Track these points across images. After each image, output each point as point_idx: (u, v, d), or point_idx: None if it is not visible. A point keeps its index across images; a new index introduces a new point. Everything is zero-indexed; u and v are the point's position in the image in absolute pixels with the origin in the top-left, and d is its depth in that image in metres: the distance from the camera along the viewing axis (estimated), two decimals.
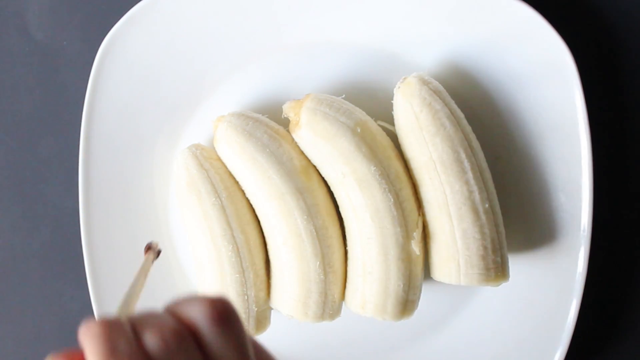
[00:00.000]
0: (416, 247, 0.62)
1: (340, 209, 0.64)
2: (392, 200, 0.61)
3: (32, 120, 0.74)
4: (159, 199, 0.70)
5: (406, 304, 0.62)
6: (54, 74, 0.74)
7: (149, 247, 0.56)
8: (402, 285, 0.62)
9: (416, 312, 0.64)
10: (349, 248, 0.64)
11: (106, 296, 0.68)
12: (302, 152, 0.64)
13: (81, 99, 0.68)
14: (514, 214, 0.67)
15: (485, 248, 0.61)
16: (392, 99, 0.64)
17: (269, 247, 0.65)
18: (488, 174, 0.63)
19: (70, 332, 0.75)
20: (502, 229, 0.63)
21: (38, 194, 0.74)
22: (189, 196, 0.63)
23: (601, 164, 0.69)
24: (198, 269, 0.66)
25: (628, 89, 0.70)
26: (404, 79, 0.63)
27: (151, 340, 0.35)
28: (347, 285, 0.64)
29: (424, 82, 0.62)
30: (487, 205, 0.61)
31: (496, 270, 0.62)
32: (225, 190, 0.63)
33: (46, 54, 0.74)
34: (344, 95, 0.65)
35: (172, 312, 0.37)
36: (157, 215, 0.70)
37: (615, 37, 0.70)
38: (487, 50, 0.66)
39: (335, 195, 0.64)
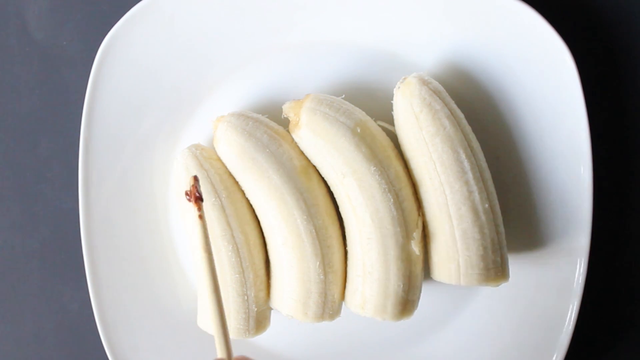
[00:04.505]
0: (416, 247, 0.62)
1: (340, 209, 0.64)
2: (392, 200, 0.61)
3: (32, 120, 0.74)
4: (159, 199, 0.70)
5: (406, 304, 0.62)
6: (54, 74, 0.74)
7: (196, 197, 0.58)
8: (402, 286, 0.62)
9: (416, 312, 0.64)
10: (349, 248, 0.64)
11: (106, 296, 0.68)
12: (302, 152, 0.64)
13: (81, 99, 0.68)
14: (514, 214, 0.67)
15: (485, 248, 0.61)
16: (392, 99, 0.64)
17: (268, 247, 0.65)
18: (488, 174, 0.63)
19: (70, 332, 0.75)
20: (502, 229, 0.63)
21: (38, 194, 0.74)
22: None
23: (601, 164, 0.69)
24: (198, 269, 0.66)
25: (628, 89, 0.70)
26: (404, 79, 0.63)
27: None
28: (347, 285, 0.64)
29: (424, 82, 0.62)
30: (487, 206, 0.61)
31: (496, 270, 0.62)
32: (225, 191, 0.63)
33: (46, 54, 0.74)
34: (344, 95, 0.65)
35: None
36: (157, 215, 0.70)
37: (615, 37, 0.70)
38: (487, 50, 0.66)
39: (335, 196, 0.64)
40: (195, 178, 0.61)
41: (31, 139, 0.74)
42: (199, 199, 0.60)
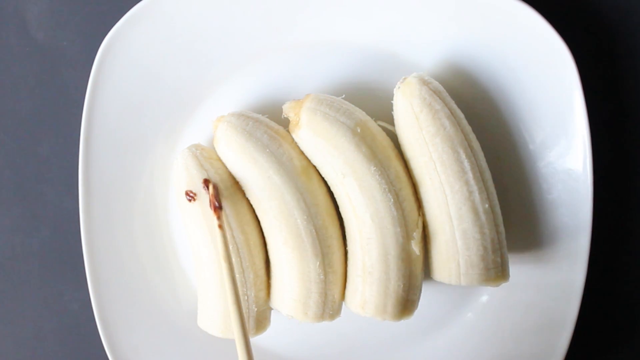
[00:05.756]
0: (416, 247, 0.62)
1: (340, 209, 0.64)
2: (392, 200, 0.61)
3: (32, 120, 0.74)
4: (159, 199, 0.70)
5: (406, 304, 0.62)
6: (54, 74, 0.74)
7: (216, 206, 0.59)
8: (402, 285, 0.62)
9: (416, 312, 0.64)
10: (349, 248, 0.64)
11: (106, 296, 0.68)
12: (302, 152, 0.64)
13: (81, 99, 0.68)
14: (514, 214, 0.67)
15: (485, 248, 0.61)
16: (392, 99, 0.64)
17: (268, 247, 0.65)
18: (488, 174, 0.63)
19: (70, 332, 0.75)
20: (502, 229, 0.63)
21: (38, 194, 0.74)
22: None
23: (601, 164, 0.69)
24: (198, 268, 0.66)
25: (628, 89, 0.70)
26: (404, 79, 0.63)
27: None
28: (347, 285, 0.64)
29: (424, 82, 0.62)
30: (487, 206, 0.61)
31: (496, 270, 0.62)
32: (225, 191, 0.63)
33: (46, 54, 0.74)
34: (344, 95, 0.65)
35: None
36: (157, 215, 0.70)
37: (615, 37, 0.70)
38: (487, 50, 0.66)
39: (335, 196, 0.64)
40: (215, 186, 0.61)
41: (31, 139, 0.74)
42: (218, 209, 0.60)
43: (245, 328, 0.57)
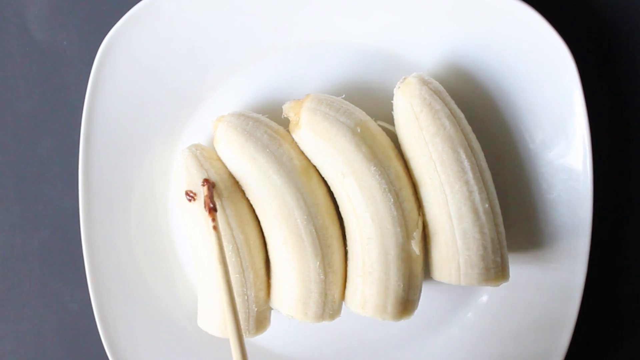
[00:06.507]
0: (416, 247, 0.62)
1: (340, 209, 0.64)
2: (392, 200, 0.61)
3: (32, 120, 0.74)
4: (159, 199, 0.70)
5: (406, 304, 0.62)
6: (54, 74, 0.74)
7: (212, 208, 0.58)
8: (402, 285, 0.62)
9: (416, 312, 0.64)
10: (349, 248, 0.64)
11: (106, 296, 0.67)
12: (302, 152, 0.64)
13: (81, 99, 0.68)
14: (514, 214, 0.67)
15: (485, 248, 0.61)
16: (392, 99, 0.64)
17: (269, 247, 0.65)
18: (488, 174, 0.63)
19: (70, 332, 0.75)
20: (502, 229, 0.63)
21: (38, 194, 0.74)
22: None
23: (601, 164, 0.69)
24: (198, 268, 0.66)
25: (628, 89, 0.70)
26: (404, 79, 0.63)
27: None
28: (347, 285, 0.64)
29: (424, 82, 0.62)
30: (487, 205, 0.61)
31: (496, 270, 0.62)
32: (225, 191, 0.63)
33: (46, 54, 0.74)
34: (344, 95, 0.65)
35: None
36: (157, 215, 0.70)
37: (615, 37, 0.70)
38: (487, 50, 0.66)
39: (335, 196, 0.64)
40: (209, 187, 0.61)
41: (31, 139, 0.74)
42: (213, 210, 0.60)
43: (241, 332, 0.57)
